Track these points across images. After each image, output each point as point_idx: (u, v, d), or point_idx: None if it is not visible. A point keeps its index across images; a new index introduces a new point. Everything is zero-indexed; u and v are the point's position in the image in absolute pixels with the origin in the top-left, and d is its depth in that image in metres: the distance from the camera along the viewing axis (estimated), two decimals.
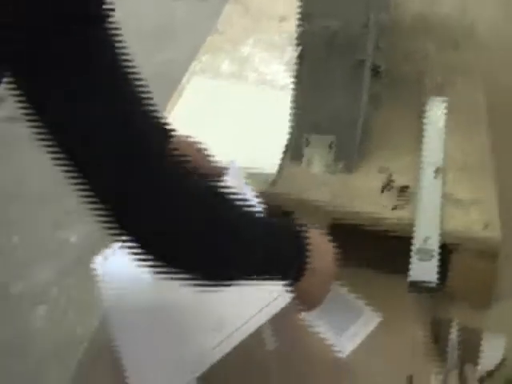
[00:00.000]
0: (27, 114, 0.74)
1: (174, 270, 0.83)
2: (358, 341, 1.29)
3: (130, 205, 0.77)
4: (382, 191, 1.43)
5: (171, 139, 0.97)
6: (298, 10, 1.33)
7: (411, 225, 1.34)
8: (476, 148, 1.54)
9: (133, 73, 0.77)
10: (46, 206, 2.47)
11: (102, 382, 1.25)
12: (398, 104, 1.64)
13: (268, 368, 1.22)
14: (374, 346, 1.29)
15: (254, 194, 1.21)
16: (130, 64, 0.76)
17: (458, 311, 1.33)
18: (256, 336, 1.15)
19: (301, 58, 1.39)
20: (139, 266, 0.81)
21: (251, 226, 0.89)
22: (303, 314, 1.21)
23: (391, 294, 1.37)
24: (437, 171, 1.44)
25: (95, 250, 2.22)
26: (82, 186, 0.77)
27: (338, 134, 1.45)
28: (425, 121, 1.57)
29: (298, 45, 1.37)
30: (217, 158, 1.17)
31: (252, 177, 1.39)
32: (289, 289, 1.02)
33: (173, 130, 0.97)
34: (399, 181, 1.45)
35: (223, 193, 0.85)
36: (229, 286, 0.89)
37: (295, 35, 1.37)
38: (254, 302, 1.15)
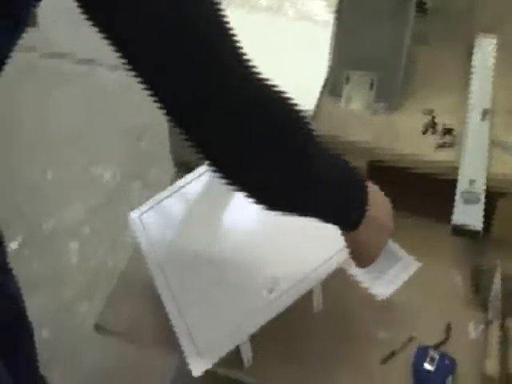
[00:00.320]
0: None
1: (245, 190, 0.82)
2: (395, 286, 1.23)
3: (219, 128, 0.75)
4: (425, 132, 1.35)
5: None
6: None
7: (455, 167, 1.26)
8: None
9: None
10: (80, 143, 2.45)
11: (130, 314, 1.22)
12: (445, 42, 1.54)
13: (311, 333, 1.17)
14: (412, 292, 1.23)
15: None
16: None
17: (501, 260, 1.26)
18: (305, 298, 1.11)
19: None
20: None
21: (331, 165, 0.87)
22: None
23: (431, 240, 1.30)
24: (484, 113, 1.35)
25: (128, 188, 2.19)
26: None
27: (380, 72, 1.37)
28: (473, 60, 1.47)
29: None
30: None
31: None
32: (347, 238, 0.99)
33: None
34: (443, 122, 1.36)
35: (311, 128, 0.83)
36: (292, 214, 0.88)
37: None
38: (309, 261, 1.11)
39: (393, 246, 1.29)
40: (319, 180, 0.85)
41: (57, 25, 2.78)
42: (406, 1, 1.30)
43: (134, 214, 1.25)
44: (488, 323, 1.17)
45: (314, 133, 0.84)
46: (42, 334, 1.80)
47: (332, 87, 1.42)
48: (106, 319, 1.23)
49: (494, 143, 1.31)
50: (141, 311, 1.22)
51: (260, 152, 0.78)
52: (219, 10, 0.72)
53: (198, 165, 1.44)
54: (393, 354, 1.15)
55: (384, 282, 1.24)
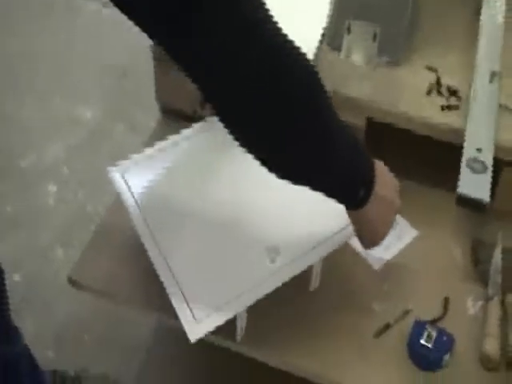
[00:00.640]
0: None
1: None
2: (391, 254, 1.16)
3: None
4: (429, 92, 1.27)
5: None
6: None
7: (461, 132, 1.19)
8: None
9: None
10: (61, 79, 2.30)
11: (107, 269, 1.13)
12: None
13: (305, 305, 1.10)
14: (409, 263, 1.16)
15: None
16: None
17: (503, 232, 1.20)
18: (304, 274, 1.04)
19: None
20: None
21: (344, 138, 0.85)
22: None
23: (430, 208, 1.24)
24: (492, 75, 1.27)
25: (111, 130, 2.06)
26: None
27: (384, 23, 1.28)
28: (481, 16, 1.38)
29: None
30: None
31: None
32: (353, 217, 0.95)
33: None
34: (449, 82, 1.28)
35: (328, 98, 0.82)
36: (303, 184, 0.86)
37: None
38: (312, 236, 1.04)
39: None
40: (334, 147, 0.83)
41: None
42: None
43: (116, 171, 1.13)
44: (488, 299, 1.11)
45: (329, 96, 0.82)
46: (13, 278, 1.71)
47: (332, 38, 1.32)
48: (81, 273, 1.14)
49: (502, 108, 1.23)
50: (119, 267, 1.13)
51: (280, 109, 0.75)
52: None
53: (184, 112, 1.34)
54: (387, 326, 1.08)
55: (380, 248, 1.16)
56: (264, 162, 0.81)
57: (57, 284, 1.69)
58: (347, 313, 1.09)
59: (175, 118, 1.35)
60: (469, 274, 1.16)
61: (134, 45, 2.04)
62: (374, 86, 1.26)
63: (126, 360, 1.60)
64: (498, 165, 1.18)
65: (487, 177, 1.12)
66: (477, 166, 1.13)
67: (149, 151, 1.16)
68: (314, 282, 1.10)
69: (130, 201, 1.09)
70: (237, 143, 0.79)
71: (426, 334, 1.04)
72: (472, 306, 1.12)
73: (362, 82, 1.26)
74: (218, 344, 1.06)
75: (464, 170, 1.12)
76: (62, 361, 1.60)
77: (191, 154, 1.16)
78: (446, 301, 1.11)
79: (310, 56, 1.27)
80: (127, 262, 1.13)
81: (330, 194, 0.89)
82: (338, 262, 1.08)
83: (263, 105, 0.74)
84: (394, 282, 1.13)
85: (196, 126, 1.20)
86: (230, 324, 0.98)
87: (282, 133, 0.77)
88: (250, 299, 0.97)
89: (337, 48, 1.32)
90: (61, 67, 2.34)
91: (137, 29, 0.74)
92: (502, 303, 1.10)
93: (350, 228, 1.02)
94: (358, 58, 1.31)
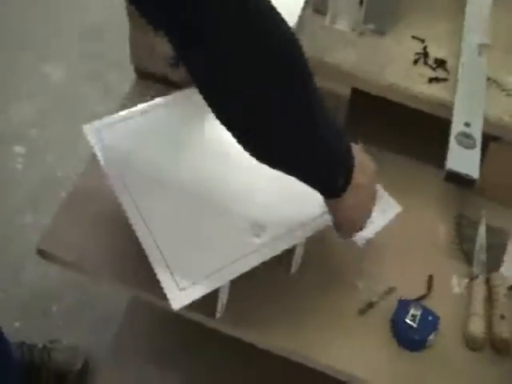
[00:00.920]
0: None
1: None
2: (374, 230, 1.13)
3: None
4: (416, 62, 1.23)
5: None
6: None
7: (448, 105, 1.15)
8: None
9: None
10: (35, 38, 2.20)
11: (78, 239, 1.08)
12: None
13: (288, 291, 1.06)
14: (392, 239, 1.13)
15: None
16: None
17: (487, 210, 1.18)
18: (286, 256, 1.02)
19: None
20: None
21: (326, 119, 0.82)
22: None
23: (415, 184, 1.21)
24: (481, 47, 1.24)
25: (83, 92, 1.98)
26: None
27: None
28: None
29: None
30: None
31: None
32: (330, 206, 0.93)
33: None
34: (436, 53, 1.24)
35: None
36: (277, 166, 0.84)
37: None
38: (300, 213, 1.01)
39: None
40: (316, 127, 0.80)
41: None
42: None
43: (91, 129, 1.07)
44: (472, 278, 1.09)
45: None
46: None
47: (316, 3, 1.27)
48: (51, 244, 1.07)
49: (490, 82, 1.20)
50: (92, 237, 1.07)
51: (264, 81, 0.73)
52: None
53: (158, 76, 1.29)
54: (371, 305, 1.06)
55: None
56: (240, 139, 0.79)
57: (24, 252, 1.63)
58: (330, 291, 1.06)
59: (150, 81, 1.29)
60: (453, 251, 1.14)
61: (109, 5, 1.96)
62: (359, 54, 1.21)
63: (98, 332, 1.56)
64: (485, 140, 1.16)
65: (476, 152, 1.08)
66: (466, 141, 1.09)
67: (124, 113, 1.10)
68: (295, 264, 1.07)
69: (106, 161, 1.03)
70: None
71: (410, 313, 1.02)
72: (457, 285, 1.09)
73: (347, 50, 1.22)
74: (193, 319, 1.03)
75: (453, 145, 1.09)
76: (30, 332, 1.55)
77: (173, 121, 1.10)
78: (430, 279, 1.09)
79: (294, 20, 1.22)
80: (101, 232, 1.07)
81: (307, 180, 0.87)
82: (319, 240, 1.04)
83: (244, 70, 0.71)
84: (378, 260, 1.11)
85: (179, 93, 1.14)
86: (209, 300, 0.95)
87: (262, 101, 0.74)
88: (234, 272, 0.94)
89: (322, 14, 1.27)
90: (34, 26, 2.25)
91: None
92: (487, 282, 1.09)
93: None
94: (343, 24, 1.26)
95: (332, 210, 0.93)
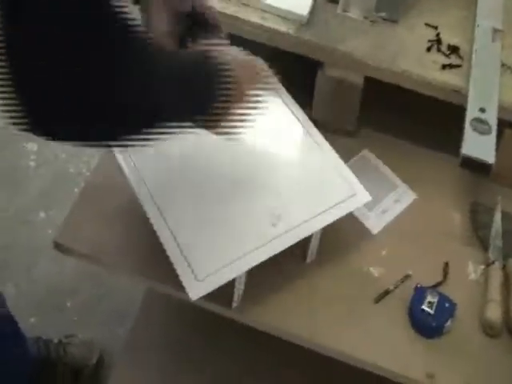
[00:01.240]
0: None
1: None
2: (389, 218, 1.13)
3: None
4: (429, 50, 1.22)
5: None
6: None
7: (462, 91, 1.14)
8: None
9: None
10: None
11: (94, 232, 1.08)
12: None
13: (303, 280, 1.06)
14: (407, 226, 1.12)
15: None
16: None
17: (502, 196, 1.17)
18: (302, 245, 1.01)
19: None
20: None
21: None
22: None
23: (430, 171, 1.20)
24: (495, 33, 1.23)
25: None
26: None
27: None
28: None
29: None
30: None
31: (280, 17, 1.19)
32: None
33: None
34: (449, 39, 1.23)
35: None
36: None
37: None
38: (316, 204, 1.01)
39: (388, 172, 1.18)
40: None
41: None
42: None
43: None
44: (488, 264, 1.08)
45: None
46: None
47: None
48: (67, 237, 1.08)
49: (503, 67, 1.19)
50: (107, 230, 1.08)
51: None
52: None
53: None
54: (387, 292, 1.05)
55: (378, 211, 1.13)
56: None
57: (38, 248, 1.64)
58: (345, 279, 1.06)
59: None
60: (469, 238, 1.13)
61: None
62: (371, 43, 1.20)
63: (112, 326, 1.56)
64: (500, 126, 1.15)
65: (492, 138, 1.08)
66: (481, 127, 1.08)
67: None
68: (311, 254, 1.06)
69: (122, 154, 1.03)
70: None
71: (427, 300, 1.01)
72: (473, 271, 1.09)
73: (359, 39, 1.21)
74: (210, 310, 1.03)
75: (468, 131, 1.08)
76: (46, 328, 1.55)
77: None
78: (446, 266, 1.08)
79: (307, 10, 1.22)
80: (117, 225, 1.08)
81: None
82: (334, 228, 1.03)
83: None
84: (393, 247, 1.10)
85: None
86: (225, 290, 0.95)
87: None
88: (251, 262, 0.94)
89: (334, 1, 1.26)
90: None
91: None
92: (503, 268, 1.08)
93: (354, 199, 1.00)
94: (355, 12, 1.25)
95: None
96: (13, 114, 0.61)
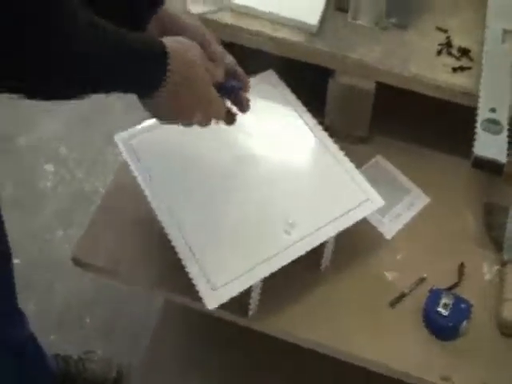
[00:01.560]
0: None
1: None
2: (402, 222, 1.14)
3: None
4: (440, 53, 1.23)
5: None
6: None
7: (473, 93, 1.15)
8: None
9: None
10: None
11: (111, 247, 1.11)
12: None
13: (319, 285, 1.08)
14: (421, 229, 1.13)
15: None
16: None
17: None
18: (316, 251, 1.02)
19: None
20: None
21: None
22: None
23: (442, 174, 1.21)
24: (505, 34, 1.23)
25: (108, 106, 2.01)
26: None
27: None
28: None
29: None
30: None
31: (291, 27, 1.20)
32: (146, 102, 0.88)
33: None
34: (460, 42, 1.24)
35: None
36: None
37: None
38: (329, 211, 1.03)
39: (401, 177, 1.19)
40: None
41: None
42: None
43: (120, 137, 1.10)
44: (503, 264, 1.09)
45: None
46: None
47: (338, 0, 1.28)
48: (85, 252, 1.11)
49: None
50: (123, 244, 1.11)
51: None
52: None
53: None
54: (402, 295, 1.06)
55: (392, 216, 1.14)
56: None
57: (57, 266, 1.67)
58: (360, 284, 1.07)
59: None
60: (483, 239, 1.14)
61: None
62: (382, 49, 1.22)
63: (131, 341, 1.58)
64: (510, 126, 1.15)
65: (503, 137, 1.08)
66: (492, 127, 1.09)
67: (151, 122, 1.12)
68: (325, 260, 1.08)
69: (137, 167, 1.06)
70: None
71: (442, 302, 1.02)
72: (488, 272, 1.09)
73: (370, 46, 1.22)
74: (228, 320, 1.05)
75: (479, 131, 1.09)
76: (65, 345, 1.58)
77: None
78: (462, 267, 1.09)
79: (317, 19, 1.23)
80: (132, 238, 1.11)
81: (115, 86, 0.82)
82: (349, 233, 1.05)
83: None
84: (407, 251, 1.11)
85: None
86: (241, 298, 0.97)
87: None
88: (267, 271, 0.96)
89: (344, 9, 1.28)
90: None
91: None
92: None
93: (367, 205, 1.02)
94: (365, 19, 1.26)
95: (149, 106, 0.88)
96: None
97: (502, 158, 1.05)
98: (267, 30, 1.22)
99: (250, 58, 1.24)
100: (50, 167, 1.97)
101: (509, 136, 1.09)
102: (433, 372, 0.99)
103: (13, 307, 1.22)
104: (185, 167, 1.06)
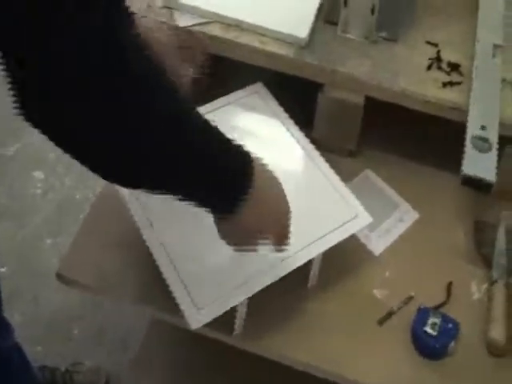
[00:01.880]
0: None
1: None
2: (391, 239, 1.13)
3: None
4: (430, 68, 1.22)
5: None
6: None
7: (463, 109, 1.14)
8: None
9: None
10: None
11: (97, 263, 1.09)
12: None
13: (306, 302, 1.07)
14: (410, 246, 1.12)
15: None
16: None
17: (505, 213, 1.16)
18: (303, 269, 1.01)
19: None
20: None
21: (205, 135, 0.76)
22: None
23: (431, 190, 1.20)
24: (495, 49, 1.23)
25: None
26: None
27: None
28: None
29: None
30: None
31: (279, 40, 1.19)
32: (223, 225, 0.87)
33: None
34: (450, 57, 1.23)
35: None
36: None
37: None
38: (316, 228, 1.01)
39: (390, 192, 1.18)
40: (187, 149, 0.74)
41: None
42: None
43: None
44: (492, 282, 1.08)
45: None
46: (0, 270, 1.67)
47: (328, 13, 1.27)
48: (70, 268, 1.09)
49: (505, 83, 1.18)
50: (109, 260, 1.09)
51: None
52: None
53: None
54: (390, 314, 1.05)
55: (380, 232, 1.13)
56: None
57: (45, 275, 1.65)
58: (348, 302, 1.06)
59: None
60: (472, 256, 1.13)
61: None
62: (372, 63, 1.21)
63: (119, 352, 1.57)
64: (501, 142, 1.14)
65: (492, 155, 1.07)
66: (481, 145, 1.08)
67: None
68: (313, 278, 1.07)
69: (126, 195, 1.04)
70: None
71: (429, 321, 1.01)
72: (476, 291, 1.08)
73: (360, 59, 1.21)
74: (213, 337, 1.03)
75: (468, 149, 1.08)
76: (52, 356, 1.57)
77: None
78: (450, 285, 1.08)
79: (306, 32, 1.22)
80: (118, 255, 1.09)
81: (194, 198, 0.82)
82: (337, 250, 1.04)
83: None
84: (396, 268, 1.10)
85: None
86: (227, 317, 0.95)
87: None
88: (252, 289, 0.94)
89: (333, 24, 1.27)
90: None
91: None
92: (507, 286, 1.07)
93: (355, 222, 1.00)
94: (355, 33, 1.26)
95: (225, 228, 0.87)
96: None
97: (491, 176, 1.04)
98: (256, 42, 1.21)
99: (239, 70, 1.23)
100: (39, 174, 1.95)
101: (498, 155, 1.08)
102: None
103: None
104: None
